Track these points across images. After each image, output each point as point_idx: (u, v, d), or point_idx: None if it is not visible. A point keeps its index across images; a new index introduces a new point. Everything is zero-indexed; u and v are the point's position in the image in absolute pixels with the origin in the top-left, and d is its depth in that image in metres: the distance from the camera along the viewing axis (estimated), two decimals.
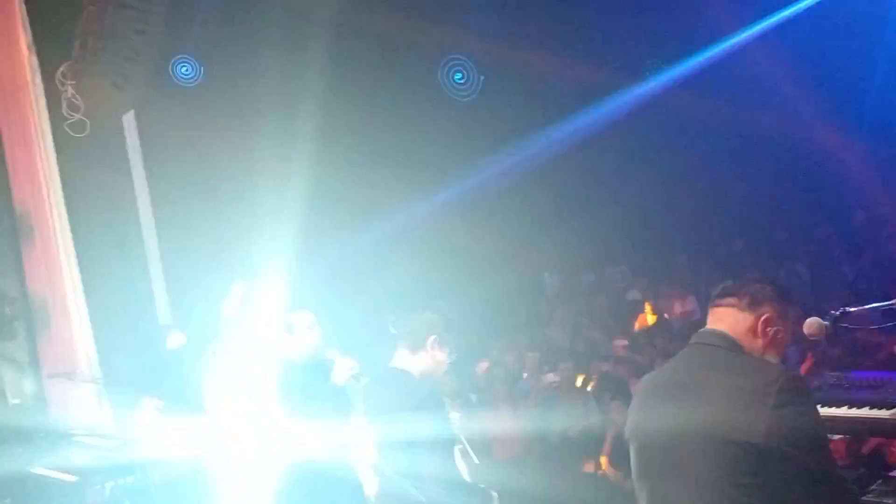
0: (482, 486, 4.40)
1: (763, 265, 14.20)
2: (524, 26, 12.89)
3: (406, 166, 12.44)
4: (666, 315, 12.62)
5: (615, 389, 8.75)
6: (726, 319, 3.05)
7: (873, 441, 6.74)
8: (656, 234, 15.69)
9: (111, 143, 10.30)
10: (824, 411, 3.62)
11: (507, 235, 12.98)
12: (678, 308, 12.82)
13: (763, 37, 15.06)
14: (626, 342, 11.84)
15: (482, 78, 12.42)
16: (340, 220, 11.54)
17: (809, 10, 15.08)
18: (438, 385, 4.40)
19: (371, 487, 4.14)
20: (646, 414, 3.08)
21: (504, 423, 9.49)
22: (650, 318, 12.74)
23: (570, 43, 13.17)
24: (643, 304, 13.32)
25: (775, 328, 3.02)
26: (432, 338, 4.22)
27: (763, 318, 3.01)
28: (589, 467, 8.78)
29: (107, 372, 9.25)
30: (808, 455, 2.72)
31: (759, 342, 3.01)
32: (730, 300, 3.07)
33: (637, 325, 12.82)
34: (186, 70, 11.12)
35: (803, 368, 8.87)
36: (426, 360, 4.22)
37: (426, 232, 12.58)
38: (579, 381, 9.83)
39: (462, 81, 12.44)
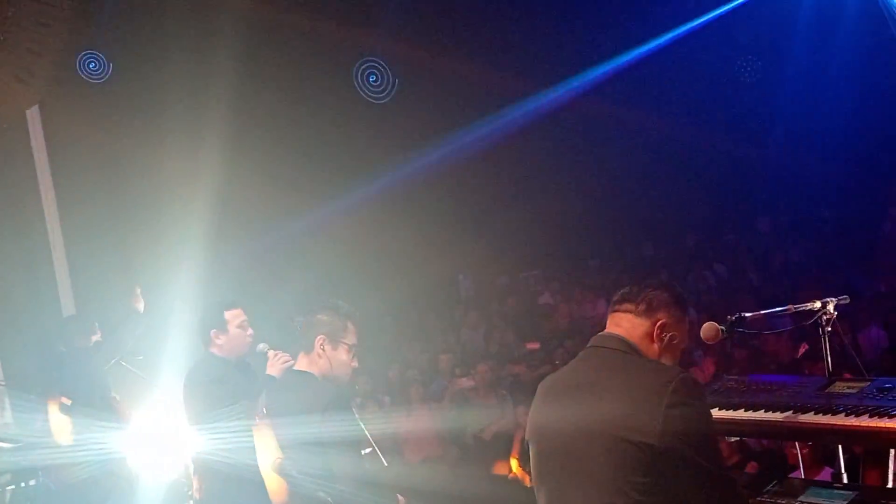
0: (388, 488, 4.39)
1: (672, 270, 14.51)
2: (439, 31, 12.93)
3: (320, 166, 12.34)
4: (578, 318, 12.77)
5: (523, 392, 8.81)
6: (623, 324, 3.10)
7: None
8: (569, 238, 15.88)
9: (15, 137, 10.04)
10: (722, 413, 3.69)
11: (422, 237, 12.97)
12: (590, 311, 12.98)
13: (673, 45, 15.36)
14: (537, 345, 11.97)
15: (396, 80, 12.41)
16: (251, 219, 11.41)
17: (719, 21, 15.44)
18: (345, 386, 4.34)
19: (276, 490, 4.08)
20: (544, 415, 3.11)
21: (417, 424, 9.49)
22: (562, 322, 12.90)
23: (484, 48, 13.24)
24: (556, 307, 13.46)
25: (670, 333, 3.08)
26: (320, 339, 4.15)
27: (659, 324, 3.07)
28: (501, 469, 8.85)
29: (9, 373, 9.00)
30: (699, 454, 2.78)
31: (655, 347, 3.07)
32: (627, 306, 3.12)
33: (549, 329, 12.94)
34: (94, 65, 10.84)
35: (704, 374, 9.06)
36: (320, 361, 4.15)
37: (340, 232, 12.50)
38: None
39: (377, 83, 12.41)
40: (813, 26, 16.27)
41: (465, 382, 9.88)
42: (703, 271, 14.30)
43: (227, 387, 5.11)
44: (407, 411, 9.61)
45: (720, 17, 15.48)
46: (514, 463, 8.41)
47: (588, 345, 3.19)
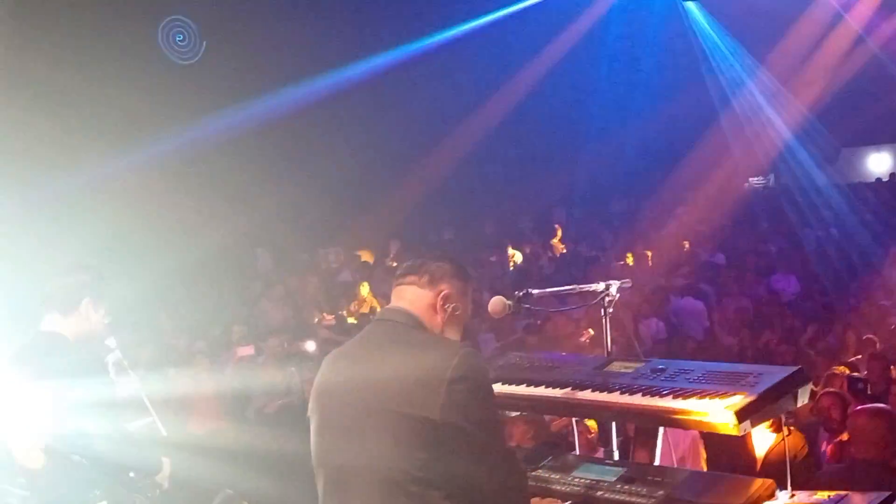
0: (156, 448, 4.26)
1: (471, 253, 14.85)
2: None
3: (117, 126, 11.73)
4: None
5: (313, 369, 8.68)
6: (407, 296, 3.10)
7: (559, 423, 7.16)
8: (372, 219, 15.89)
9: None
10: (504, 388, 3.74)
11: (219, 206, 12.56)
12: (390, 291, 12.96)
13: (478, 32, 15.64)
14: (333, 320, 11.92)
15: (205, 42, 11.95)
16: (34, 169, 10.68)
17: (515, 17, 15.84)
18: (102, 348, 4.16)
19: (33, 458, 3.83)
20: (324, 390, 3.05)
21: (202, 396, 9.21)
22: (366, 300, 12.87)
23: (297, 13, 12.95)
24: (355, 285, 13.43)
25: (454, 304, 3.09)
26: (87, 300, 3.97)
27: (442, 295, 3.08)
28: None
29: None
30: (479, 428, 2.79)
31: (438, 318, 3.07)
32: (411, 278, 3.12)
33: (355, 306, 12.91)
34: None
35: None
36: (80, 322, 3.96)
37: (134, 192, 11.93)
38: None
39: (183, 43, 11.91)
40: (622, 40, 17.08)
41: (245, 350, 9.69)
42: (502, 255, 14.70)
43: None
44: (194, 382, 9.31)
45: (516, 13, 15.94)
46: None
47: (374, 318, 3.20)
